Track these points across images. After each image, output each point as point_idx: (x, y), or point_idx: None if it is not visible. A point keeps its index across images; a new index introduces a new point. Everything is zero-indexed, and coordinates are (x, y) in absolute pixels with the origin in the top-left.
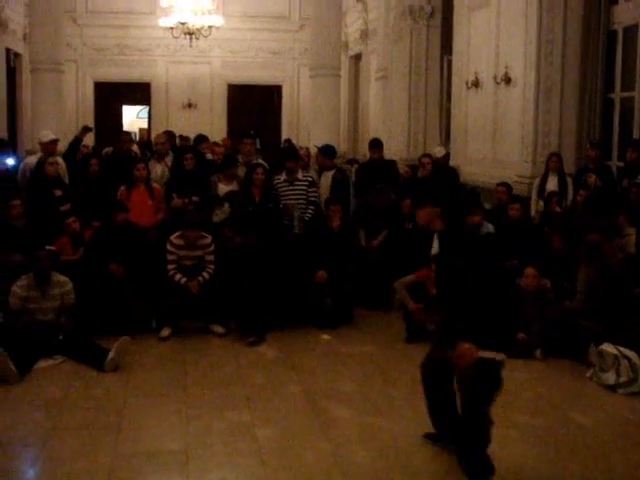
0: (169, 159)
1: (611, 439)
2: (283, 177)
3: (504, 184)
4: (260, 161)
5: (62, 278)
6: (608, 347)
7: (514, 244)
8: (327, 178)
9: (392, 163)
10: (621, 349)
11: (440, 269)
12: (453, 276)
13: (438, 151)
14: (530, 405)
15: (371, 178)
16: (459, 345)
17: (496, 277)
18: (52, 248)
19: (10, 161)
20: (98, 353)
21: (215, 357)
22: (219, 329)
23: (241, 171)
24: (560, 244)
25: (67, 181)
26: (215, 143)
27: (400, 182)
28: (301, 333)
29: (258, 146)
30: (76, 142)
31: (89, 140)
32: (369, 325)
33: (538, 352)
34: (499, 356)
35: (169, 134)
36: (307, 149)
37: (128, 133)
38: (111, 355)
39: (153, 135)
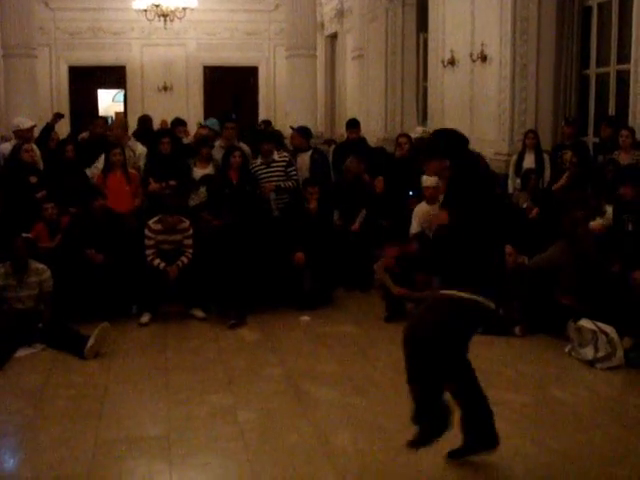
0: (132, 143)
1: (590, 414)
2: (259, 160)
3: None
4: (241, 144)
5: (39, 266)
6: (586, 322)
7: None
8: (303, 159)
9: (363, 140)
10: (599, 324)
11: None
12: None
13: (416, 131)
14: (510, 382)
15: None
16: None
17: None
18: (28, 235)
19: None
20: (78, 340)
21: (196, 341)
22: (199, 313)
23: (220, 155)
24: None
25: (42, 168)
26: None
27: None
28: (281, 315)
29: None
30: (48, 129)
31: (64, 126)
32: (348, 306)
33: (517, 329)
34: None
35: (145, 118)
36: (278, 131)
37: (103, 118)
38: (91, 342)
39: (130, 119)
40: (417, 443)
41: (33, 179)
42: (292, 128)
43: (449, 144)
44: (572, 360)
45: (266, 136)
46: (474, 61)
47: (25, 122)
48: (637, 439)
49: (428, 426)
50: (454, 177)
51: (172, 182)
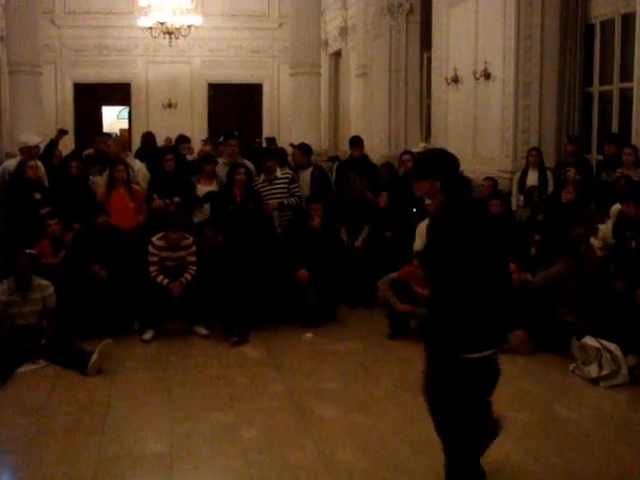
0: (130, 160)
1: (594, 432)
2: (262, 177)
3: (490, 179)
4: (245, 161)
5: (43, 282)
6: (590, 340)
7: (495, 239)
8: (305, 176)
9: (366, 158)
10: (603, 342)
11: (430, 259)
12: (444, 259)
13: (418, 147)
14: (514, 399)
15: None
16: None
17: (498, 259)
18: (32, 252)
19: None
20: (81, 356)
21: (199, 358)
22: (202, 330)
23: (223, 172)
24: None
25: (46, 184)
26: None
27: (378, 177)
28: (284, 332)
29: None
30: (52, 145)
31: (69, 142)
32: (352, 323)
33: None
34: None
35: (148, 135)
36: (282, 149)
37: (107, 134)
38: (94, 358)
39: (135, 136)
40: None
41: (37, 195)
42: (292, 145)
43: (440, 165)
44: (576, 378)
45: (269, 153)
46: (477, 79)
47: (32, 139)
48: None
49: None
50: (446, 202)
51: (176, 199)
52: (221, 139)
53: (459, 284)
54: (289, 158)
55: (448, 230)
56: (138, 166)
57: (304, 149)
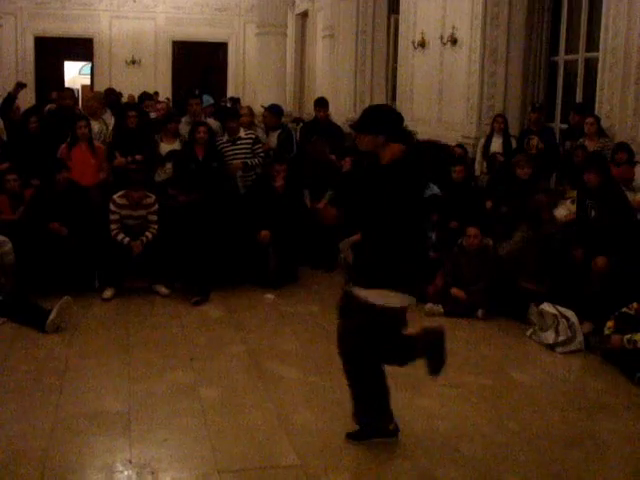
0: (107, 116)
1: (550, 397)
2: (225, 137)
3: (461, 146)
4: (209, 120)
5: (1, 238)
6: (548, 307)
7: (457, 205)
8: (274, 137)
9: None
10: (560, 309)
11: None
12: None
13: None
14: (471, 364)
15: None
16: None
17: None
18: None
19: None
20: (39, 314)
21: (159, 318)
22: (163, 289)
23: (187, 130)
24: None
25: (4, 139)
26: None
27: (343, 142)
28: (245, 293)
29: (212, 101)
30: (9, 99)
31: (29, 97)
32: (313, 285)
33: (480, 312)
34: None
35: (110, 91)
36: (249, 108)
37: (71, 89)
38: (52, 316)
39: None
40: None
41: None
42: (264, 107)
43: (383, 120)
44: (533, 343)
45: (232, 113)
46: (444, 44)
47: None
48: (593, 422)
49: (371, 423)
50: (402, 160)
51: (138, 157)
52: (197, 92)
53: (386, 232)
54: (257, 119)
55: (396, 185)
56: (112, 123)
57: (275, 110)
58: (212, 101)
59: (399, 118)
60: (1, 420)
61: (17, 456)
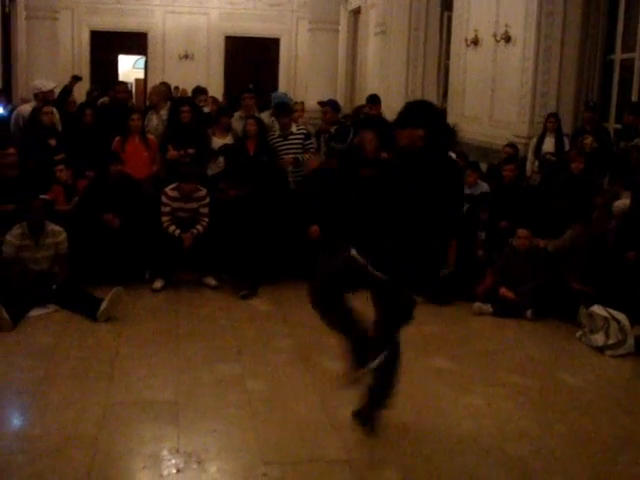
0: (164, 112)
1: (597, 400)
2: (277, 132)
3: (511, 145)
4: (262, 115)
5: (56, 228)
6: (598, 309)
7: (508, 205)
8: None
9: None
10: (611, 311)
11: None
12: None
13: None
14: (519, 365)
15: None
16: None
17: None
18: (46, 197)
19: (0, 110)
20: (91, 303)
21: (207, 309)
22: (212, 282)
23: (240, 125)
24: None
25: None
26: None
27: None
28: (293, 287)
29: (285, 98)
30: (65, 92)
31: (83, 90)
32: None
33: (529, 312)
34: None
35: (165, 86)
36: (302, 103)
37: (124, 83)
38: (104, 305)
39: (149, 86)
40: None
41: (52, 141)
42: (321, 103)
43: (426, 115)
44: (582, 346)
45: (284, 109)
46: (498, 41)
47: (46, 84)
48: None
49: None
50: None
51: (190, 150)
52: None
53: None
54: (305, 115)
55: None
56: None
57: (334, 106)
58: (285, 98)
59: (442, 114)
60: (52, 405)
61: (68, 440)
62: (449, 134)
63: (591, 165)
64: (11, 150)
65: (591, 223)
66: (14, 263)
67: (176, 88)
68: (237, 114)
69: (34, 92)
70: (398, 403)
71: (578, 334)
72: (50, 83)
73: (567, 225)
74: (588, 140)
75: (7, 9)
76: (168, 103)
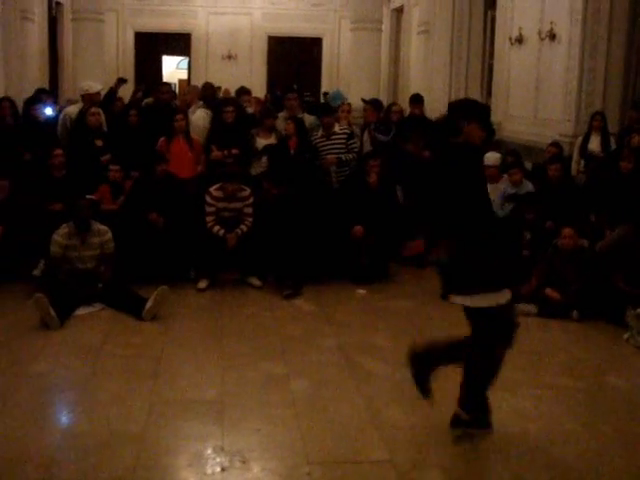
0: (194, 109)
1: None
2: (320, 132)
3: (555, 144)
4: (305, 115)
5: (102, 227)
6: None
7: (553, 204)
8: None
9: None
10: None
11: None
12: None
13: None
14: (565, 366)
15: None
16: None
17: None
18: (92, 197)
19: (49, 111)
20: (137, 302)
21: (251, 309)
22: (256, 281)
23: (283, 125)
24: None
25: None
26: (257, 98)
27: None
28: (337, 288)
29: (308, 98)
30: (111, 93)
31: (129, 91)
32: (404, 281)
33: (575, 313)
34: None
35: (208, 85)
36: (349, 104)
37: (168, 84)
38: (149, 304)
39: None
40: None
41: (99, 142)
42: (364, 101)
43: (473, 108)
44: (629, 347)
45: (326, 109)
46: (542, 39)
47: (93, 86)
48: None
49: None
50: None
51: (234, 150)
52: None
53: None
54: (351, 114)
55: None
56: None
57: (375, 105)
58: (345, 98)
59: (486, 108)
60: (98, 402)
61: (115, 437)
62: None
63: (638, 164)
64: (58, 151)
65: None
66: (61, 262)
67: (218, 88)
68: (281, 115)
69: (81, 93)
70: (443, 405)
71: (625, 336)
72: (97, 85)
73: (615, 225)
74: (636, 139)
75: (54, 12)
76: (200, 102)
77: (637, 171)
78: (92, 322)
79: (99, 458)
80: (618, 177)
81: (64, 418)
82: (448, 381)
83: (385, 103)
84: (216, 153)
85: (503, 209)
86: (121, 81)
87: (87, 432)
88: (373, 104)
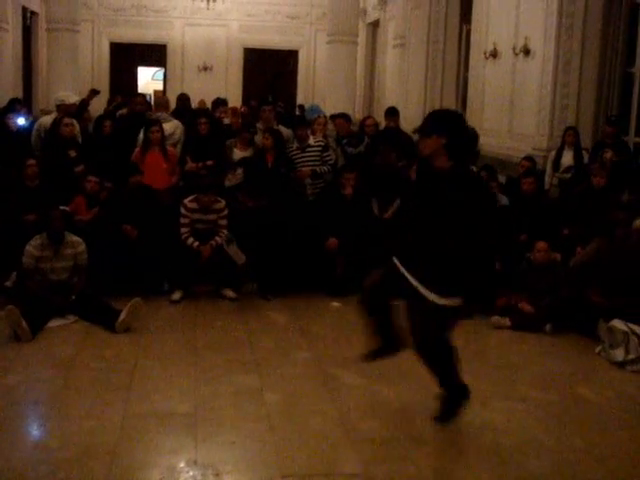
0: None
1: (618, 416)
2: (295, 144)
3: (529, 159)
4: (280, 127)
5: (75, 238)
6: (618, 323)
7: (526, 218)
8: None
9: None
10: (631, 326)
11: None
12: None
13: None
14: (538, 379)
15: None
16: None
17: (488, 223)
18: (66, 208)
19: (21, 121)
20: (110, 314)
21: (225, 321)
22: (230, 293)
23: (259, 137)
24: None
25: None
26: (233, 109)
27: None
28: (312, 300)
29: (279, 109)
30: (82, 105)
31: (103, 102)
32: None
33: (548, 326)
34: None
35: (183, 97)
36: (325, 117)
37: (142, 95)
38: (122, 316)
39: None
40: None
41: (72, 153)
42: (333, 115)
43: (445, 121)
44: (602, 360)
45: (301, 121)
46: (517, 54)
47: (70, 97)
48: None
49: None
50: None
51: (209, 162)
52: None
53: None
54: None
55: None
56: (174, 125)
57: (347, 118)
58: (322, 112)
59: (461, 118)
60: (70, 416)
61: (87, 451)
62: (472, 143)
63: (612, 179)
64: (31, 161)
65: (613, 238)
66: (34, 273)
67: (187, 99)
68: (257, 125)
69: (57, 103)
70: (416, 417)
71: (598, 349)
72: (74, 96)
73: (587, 240)
74: (608, 154)
75: (28, 22)
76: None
77: (609, 186)
78: (64, 334)
79: (71, 472)
80: (590, 192)
81: (35, 432)
82: (419, 393)
83: (361, 116)
84: (190, 165)
85: None
86: (94, 92)
87: (58, 446)
88: (344, 117)
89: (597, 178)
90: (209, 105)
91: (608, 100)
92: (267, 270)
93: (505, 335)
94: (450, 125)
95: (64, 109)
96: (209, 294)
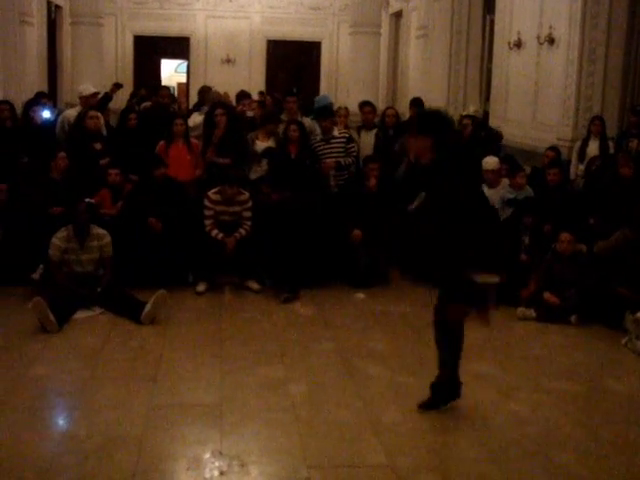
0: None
1: None
2: (319, 136)
3: (553, 148)
4: (304, 119)
5: (101, 231)
6: None
7: (551, 209)
8: (369, 136)
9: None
10: None
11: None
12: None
13: (468, 110)
14: (564, 371)
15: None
16: (449, 306)
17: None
18: (91, 201)
19: (46, 114)
20: (135, 306)
21: (250, 313)
22: (254, 285)
23: (282, 129)
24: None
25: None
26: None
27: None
28: (336, 291)
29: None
30: (106, 98)
31: (127, 94)
32: (403, 285)
33: (573, 318)
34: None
35: (205, 89)
36: (346, 108)
37: (167, 88)
38: (148, 308)
39: (192, 90)
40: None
41: (97, 146)
42: (363, 103)
43: (434, 122)
44: (627, 352)
45: (326, 113)
46: (541, 44)
47: (87, 89)
48: None
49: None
50: (438, 160)
51: (225, 160)
52: (295, 91)
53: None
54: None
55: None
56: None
57: (374, 109)
58: (327, 101)
59: (448, 121)
60: (97, 406)
61: (114, 441)
62: (458, 142)
63: (637, 169)
64: (62, 154)
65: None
66: (60, 265)
67: (209, 89)
68: (281, 117)
69: (78, 97)
70: (442, 409)
71: (624, 340)
72: (91, 88)
73: (614, 229)
74: (634, 143)
75: (53, 15)
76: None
77: (636, 176)
78: (91, 326)
79: (97, 463)
80: (616, 182)
81: (62, 422)
82: None
83: (384, 106)
84: (209, 156)
85: (502, 213)
86: (117, 86)
87: (85, 436)
88: (371, 105)
89: (624, 168)
90: (233, 99)
91: (634, 89)
92: (289, 264)
93: (531, 327)
94: (436, 125)
95: (84, 101)
96: (233, 286)
